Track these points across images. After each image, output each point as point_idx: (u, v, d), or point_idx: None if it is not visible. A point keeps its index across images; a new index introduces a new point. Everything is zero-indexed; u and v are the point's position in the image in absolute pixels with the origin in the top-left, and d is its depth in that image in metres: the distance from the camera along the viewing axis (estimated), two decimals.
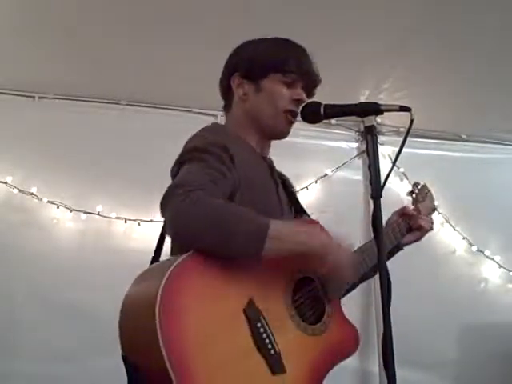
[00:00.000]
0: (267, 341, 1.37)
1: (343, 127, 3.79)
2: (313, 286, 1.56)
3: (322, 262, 1.44)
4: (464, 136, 4.02)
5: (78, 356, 2.94)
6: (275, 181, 1.72)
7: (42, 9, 2.70)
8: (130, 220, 3.28)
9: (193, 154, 1.49)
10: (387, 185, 1.41)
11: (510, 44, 3.04)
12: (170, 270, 1.25)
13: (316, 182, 3.70)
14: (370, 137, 1.42)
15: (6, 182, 3.19)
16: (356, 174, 3.77)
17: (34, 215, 3.20)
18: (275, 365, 1.37)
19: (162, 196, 1.38)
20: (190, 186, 1.36)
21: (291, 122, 1.69)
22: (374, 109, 1.44)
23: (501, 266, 3.89)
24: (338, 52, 3.03)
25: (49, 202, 3.21)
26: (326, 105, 1.51)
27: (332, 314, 1.57)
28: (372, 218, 1.38)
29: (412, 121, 1.39)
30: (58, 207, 3.22)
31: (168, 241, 1.55)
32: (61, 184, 3.26)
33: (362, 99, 3.41)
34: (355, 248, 1.69)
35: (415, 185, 1.92)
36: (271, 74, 1.65)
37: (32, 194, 3.19)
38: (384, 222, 1.52)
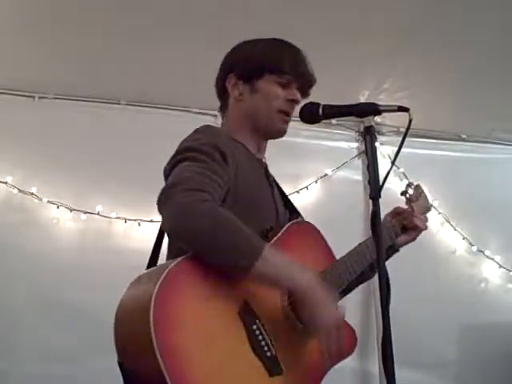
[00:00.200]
0: (263, 343, 1.36)
1: (343, 127, 3.79)
2: None
3: (307, 305, 1.40)
4: (464, 136, 4.02)
5: (78, 356, 2.94)
6: (270, 182, 1.73)
7: (42, 9, 2.70)
8: (130, 220, 3.28)
9: (186, 154, 1.48)
10: (387, 185, 1.41)
11: (509, 44, 3.04)
12: (164, 274, 1.25)
13: (316, 181, 3.70)
14: (368, 137, 1.42)
15: (6, 182, 3.19)
16: (356, 174, 3.76)
17: (34, 215, 3.20)
18: (272, 367, 1.37)
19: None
20: (189, 184, 1.36)
21: (286, 122, 1.69)
22: (373, 109, 1.44)
23: (501, 266, 3.89)
24: (337, 52, 3.03)
25: (49, 201, 3.21)
26: (324, 105, 1.51)
27: None
28: (371, 218, 1.38)
29: (410, 121, 1.39)
30: (58, 207, 3.22)
31: (165, 242, 1.55)
32: (61, 184, 3.26)
33: (362, 99, 3.41)
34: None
35: (409, 185, 1.92)
36: (266, 75, 1.66)
37: (32, 194, 3.19)
38: None
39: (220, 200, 1.44)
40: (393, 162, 1.48)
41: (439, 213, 3.83)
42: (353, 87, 3.38)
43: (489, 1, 2.76)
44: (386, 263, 1.38)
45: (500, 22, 2.88)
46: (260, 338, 1.36)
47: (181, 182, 1.38)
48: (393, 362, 1.30)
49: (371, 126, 1.42)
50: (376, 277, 1.37)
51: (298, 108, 1.57)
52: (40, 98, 3.34)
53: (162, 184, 1.43)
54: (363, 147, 3.64)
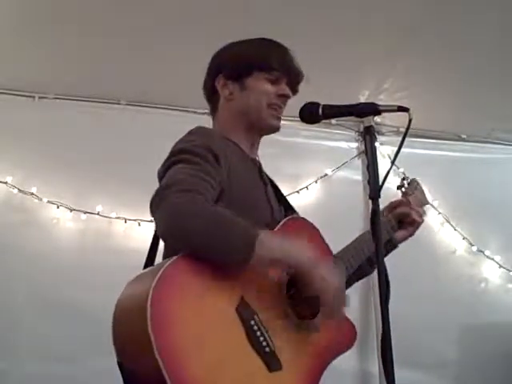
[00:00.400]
0: (262, 338, 1.36)
1: (343, 127, 3.79)
2: None
3: (309, 280, 1.43)
4: (464, 136, 4.02)
5: (78, 356, 2.94)
6: (264, 181, 1.73)
7: (42, 9, 2.71)
8: (129, 220, 3.28)
9: (179, 156, 1.49)
10: (387, 185, 1.41)
11: (509, 44, 3.04)
12: (160, 272, 1.25)
13: (316, 181, 3.70)
14: (368, 137, 1.42)
15: (6, 182, 3.19)
16: (356, 174, 3.76)
17: (34, 215, 3.20)
18: (271, 362, 1.37)
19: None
20: (183, 185, 1.37)
21: (278, 118, 1.70)
22: (373, 109, 1.44)
23: (501, 266, 3.89)
24: (338, 52, 3.03)
25: (49, 202, 3.21)
26: (324, 105, 1.51)
27: None
28: (371, 218, 1.38)
29: (410, 121, 1.39)
30: (58, 207, 3.22)
31: (162, 242, 1.55)
32: (61, 184, 3.25)
33: (362, 99, 3.42)
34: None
35: (404, 179, 1.92)
36: (255, 73, 1.67)
37: (32, 194, 3.19)
38: None
39: (213, 200, 1.44)
40: (392, 162, 1.48)
41: (439, 213, 3.83)
42: (353, 87, 3.38)
43: (489, 1, 2.76)
44: (385, 261, 1.38)
45: (500, 22, 2.88)
46: (258, 333, 1.36)
47: (174, 183, 1.39)
48: (393, 362, 1.31)
49: (371, 126, 1.42)
50: (376, 275, 1.37)
51: (298, 108, 1.57)
52: (40, 97, 3.34)
53: None
54: (363, 147, 3.64)
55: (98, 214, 3.25)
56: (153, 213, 1.38)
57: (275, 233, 1.52)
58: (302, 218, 1.72)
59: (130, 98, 3.46)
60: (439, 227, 3.85)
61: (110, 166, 3.28)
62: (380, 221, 1.40)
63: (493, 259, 3.88)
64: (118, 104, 3.46)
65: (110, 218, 3.27)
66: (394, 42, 3.01)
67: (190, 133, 1.61)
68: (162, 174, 1.50)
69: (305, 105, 1.56)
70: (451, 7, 2.77)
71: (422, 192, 1.97)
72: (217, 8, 2.72)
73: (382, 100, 3.40)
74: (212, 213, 1.36)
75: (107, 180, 3.28)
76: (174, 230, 1.35)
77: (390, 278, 1.36)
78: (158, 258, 1.57)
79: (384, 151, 3.64)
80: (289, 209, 1.78)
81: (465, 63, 3.20)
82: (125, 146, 3.31)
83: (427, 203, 2.00)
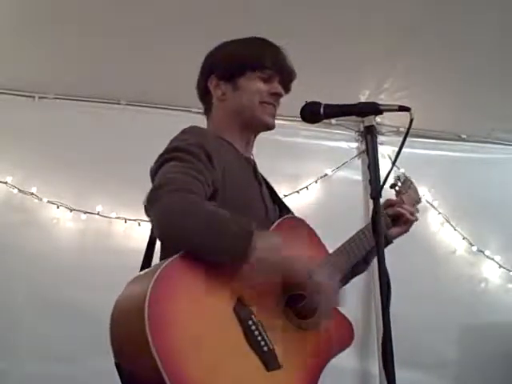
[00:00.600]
0: (259, 338, 1.37)
1: (343, 127, 3.79)
2: None
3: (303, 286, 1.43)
4: (464, 136, 4.02)
5: (78, 356, 2.94)
6: (258, 180, 1.73)
7: (42, 9, 2.70)
8: (130, 220, 3.27)
9: (172, 154, 1.50)
10: (387, 184, 1.41)
11: (509, 44, 3.04)
12: (157, 273, 1.25)
13: (316, 181, 3.70)
14: (369, 137, 1.42)
15: (6, 182, 3.18)
16: (356, 174, 3.76)
17: (34, 215, 3.20)
18: (270, 361, 1.37)
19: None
20: (175, 184, 1.37)
21: (272, 115, 1.71)
22: (374, 109, 1.44)
23: (501, 266, 3.89)
24: (338, 52, 3.03)
25: (49, 201, 3.21)
26: (325, 105, 1.51)
27: None
28: (371, 218, 1.38)
29: (411, 120, 1.39)
30: (58, 207, 3.22)
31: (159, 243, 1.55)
32: (61, 184, 3.25)
33: (363, 99, 3.41)
34: None
35: (398, 178, 1.92)
36: (248, 72, 1.68)
37: (32, 194, 3.19)
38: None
39: (206, 199, 1.44)
40: (393, 162, 1.48)
41: (439, 213, 3.83)
42: (353, 87, 3.38)
43: (489, 1, 2.76)
44: (385, 261, 1.38)
45: (500, 22, 2.88)
46: (256, 333, 1.36)
47: (167, 182, 1.39)
48: (393, 362, 1.30)
49: (372, 126, 1.42)
50: (376, 276, 1.37)
51: (298, 108, 1.57)
52: (40, 97, 3.34)
53: None
54: (363, 147, 3.65)
55: (98, 214, 3.25)
56: (147, 213, 1.39)
57: (270, 233, 1.52)
58: (297, 218, 1.72)
59: (129, 98, 3.46)
60: (439, 227, 3.85)
61: (109, 166, 3.27)
62: (381, 221, 1.40)
63: (493, 259, 3.88)
64: (118, 104, 3.46)
65: (110, 218, 3.27)
66: (394, 41, 3.01)
67: (184, 132, 1.61)
68: (154, 172, 1.50)
69: (306, 104, 1.55)
70: (451, 7, 2.77)
71: (416, 190, 1.98)
72: (217, 8, 2.72)
73: (382, 100, 3.40)
74: (207, 211, 1.36)
75: (107, 180, 3.28)
76: (168, 229, 1.35)
77: (390, 278, 1.36)
78: (156, 259, 1.57)
79: (384, 151, 3.63)
80: (284, 209, 1.78)
81: (465, 63, 3.20)
82: (125, 146, 3.30)
83: (420, 201, 2.00)
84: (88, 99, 3.40)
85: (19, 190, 3.18)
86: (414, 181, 1.99)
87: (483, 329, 3.70)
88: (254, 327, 1.36)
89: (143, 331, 1.17)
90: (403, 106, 1.42)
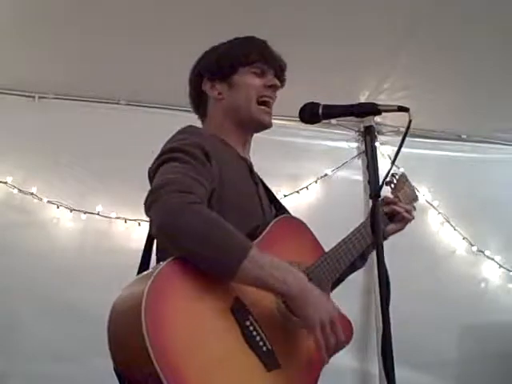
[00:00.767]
0: (258, 338, 1.36)
1: (343, 127, 3.78)
2: None
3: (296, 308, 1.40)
4: (464, 136, 4.02)
5: (77, 356, 2.94)
6: (255, 180, 1.73)
7: (41, 9, 2.70)
8: (130, 220, 3.27)
9: (171, 154, 1.50)
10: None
11: (510, 44, 3.04)
12: (154, 275, 1.24)
13: (316, 182, 3.69)
14: (368, 137, 1.42)
15: (5, 182, 3.18)
16: (356, 174, 3.76)
17: (34, 215, 3.20)
18: (269, 361, 1.37)
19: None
20: (175, 185, 1.37)
21: (268, 113, 1.71)
22: (373, 109, 1.44)
23: (501, 266, 3.88)
24: (338, 52, 3.03)
25: (49, 201, 3.21)
26: (324, 105, 1.51)
27: None
28: (370, 217, 1.38)
29: (410, 121, 1.39)
30: (58, 207, 3.21)
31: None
32: (61, 184, 3.25)
33: (363, 99, 3.42)
34: None
35: (393, 175, 1.92)
36: (240, 68, 1.70)
37: (32, 194, 3.19)
38: None
39: (205, 199, 1.45)
40: (393, 162, 1.48)
41: (439, 213, 3.83)
42: (353, 87, 3.38)
43: (489, 1, 2.76)
44: (385, 260, 1.38)
45: (500, 22, 2.88)
46: (254, 333, 1.36)
47: (166, 183, 1.39)
48: (393, 362, 1.30)
49: (371, 126, 1.42)
50: (376, 276, 1.37)
51: (298, 108, 1.57)
52: (40, 97, 3.34)
53: None
54: (363, 147, 3.64)
55: (98, 214, 3.25)
56: (147, 213, 1.39)
57: (267, 243, 1.50)
58: (293, 217, 1.72)
59: (129, 98, 3.46)
60: (439, 227, 3.84)
61: (110, 166, 3.27)
62: (380, 221, 1.40)
63: (493, 259, 3.88)
64: (118, 104, 3.46)
65: (110, 218, 3.27)
66: (394, 41, 3.01)
67: (181, 132, 1.61)
68: (153, 173, 1.50)
69: (305, 105, 1.56)
70: (451, 7, 2.77)
71: (412, 188, 1.98)
72: (217, 8, 2.72)
73: (382, 100, 3.39)
74: (206, 215, 1.36)
75: (107, 180, 3.28)
76: (168, 229, 1.34)
77: (389, 278, 1.36)
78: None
79: (384, 151, 3.64)
80: (280, 208, 1.79)
81: (465, 63, 3.20)
82: (125, 146, 3.30)
83: (417, 199, 2.00)
84: (88, 99, 3.40)
85: (19, 190, 3.18)
86: (408, 178, 1.99)
87: (483, 329, 3.70)
88: (252, 327, 1.36)
89: (140, 333, 1.17)
90: (402, 107, 1.42)
